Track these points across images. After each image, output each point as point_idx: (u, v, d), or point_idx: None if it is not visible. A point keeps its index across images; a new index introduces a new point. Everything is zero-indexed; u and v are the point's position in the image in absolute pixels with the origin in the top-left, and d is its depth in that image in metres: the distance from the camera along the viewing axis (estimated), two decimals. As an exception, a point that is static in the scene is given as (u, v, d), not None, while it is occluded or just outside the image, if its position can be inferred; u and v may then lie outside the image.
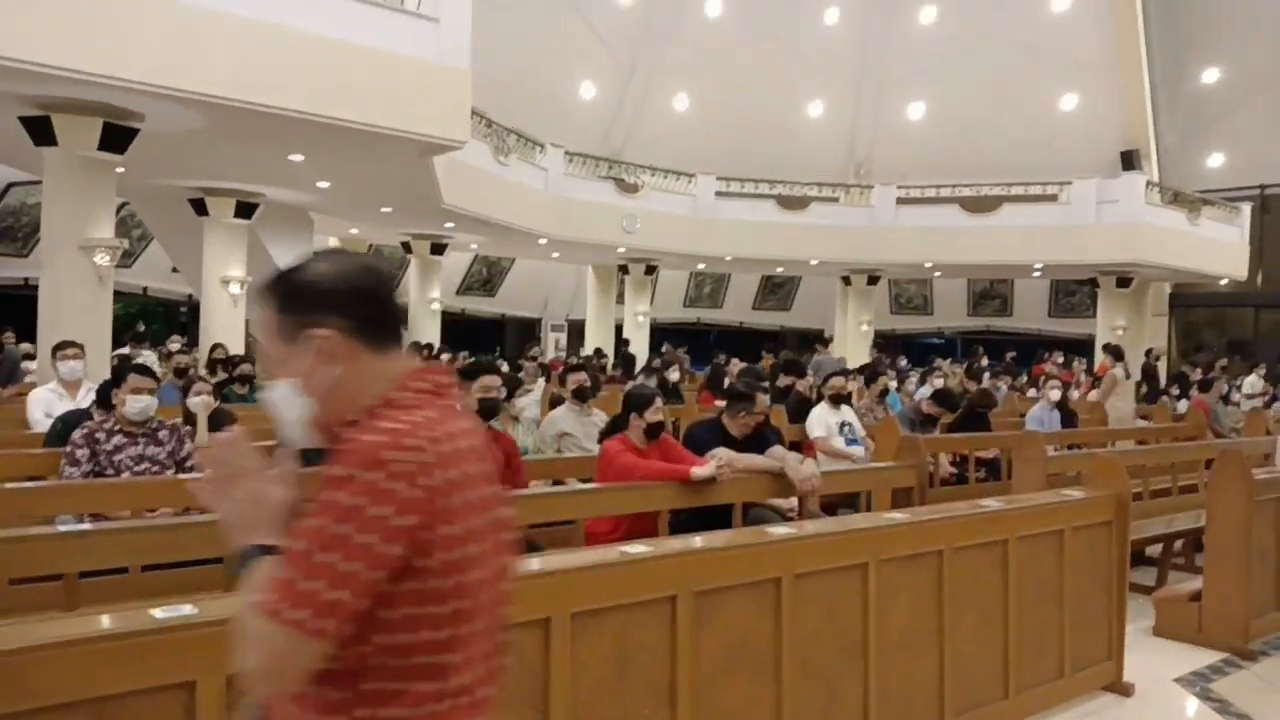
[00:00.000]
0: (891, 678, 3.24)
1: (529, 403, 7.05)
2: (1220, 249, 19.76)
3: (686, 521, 4.17)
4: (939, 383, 10.71)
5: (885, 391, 9.49)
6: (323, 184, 12.83)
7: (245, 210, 13.62)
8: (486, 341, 24.57)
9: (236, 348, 12.35)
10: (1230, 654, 4.79)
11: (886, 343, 24.13)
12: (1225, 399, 11.98)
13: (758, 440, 4.79)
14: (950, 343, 27.19)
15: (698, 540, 2.98)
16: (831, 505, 5.92)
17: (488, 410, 4.29)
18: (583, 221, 17.56)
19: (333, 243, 19.58)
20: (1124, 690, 4.19)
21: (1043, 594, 3.87)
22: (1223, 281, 20.98)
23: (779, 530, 3.20)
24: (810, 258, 20.44)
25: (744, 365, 10.01)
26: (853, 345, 20.71)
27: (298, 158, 10.87)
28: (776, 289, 27.59)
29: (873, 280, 21.84)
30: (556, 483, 5.11)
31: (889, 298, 26.59)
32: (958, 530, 3.53)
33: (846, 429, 6.99)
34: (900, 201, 20.19)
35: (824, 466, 6.52)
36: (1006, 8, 21.51)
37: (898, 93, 23.77)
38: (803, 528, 3.28)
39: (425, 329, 17.47)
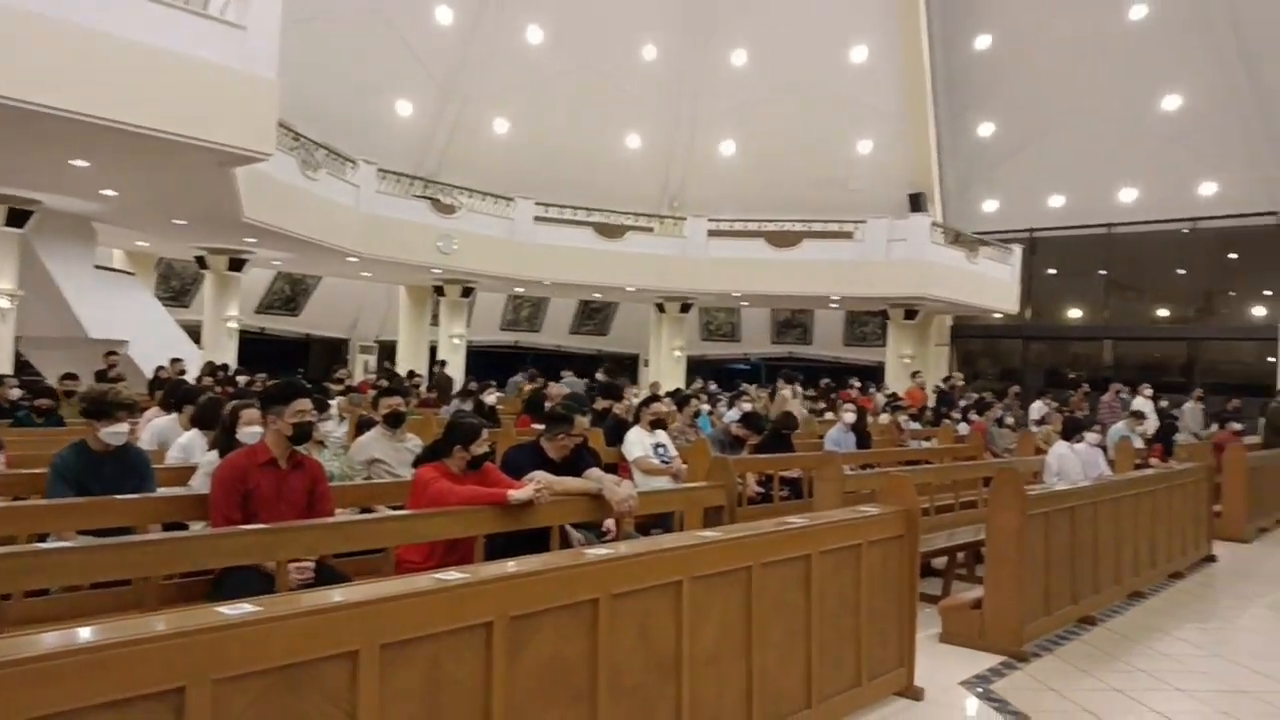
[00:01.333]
0: (703, 694, 3.31)
1: (334, 426, 6.76)
2: (995, 286, 21.73)
3: (505, 547, 4.11)
4: (747, 406, 11.12)
5: (697, 414, 9.78)
6: (108, 192, 11.88)
7: (18, 218, 12.43)
8: (290, 362, 23.37)
9: (4, 366, 11.17)
10: (1008, 657, 5.20)
11: (697, 368, 24.86)
12: (1000, 422, 13.10)
13: (574, 462, 4.81)
14: (756, 368, 28.35)
15: (513, 564, 2.94)
16: (645, 526, 6.02)
17: (302, 435, 4.08)
18: (396, 241, 17.13)
19: (117, 255, 18.12)
20: (915, 695, 4.46)
21: (842, 606, 4.08)
22: (997, 315, 23.06)
23: (596, 551, 3.20)
24: (626, 284, 20.83)
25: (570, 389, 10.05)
26: (667, 370, 21.22)
27: (81, 163, 10.02)
28: (594, 314, 27.90)
29: (685, 308, 22.50)
30: (365, 510, 4.91)
31: (700, 325, 27.47)
32: (766, 547, 3.67)
33: (661, 450, 7.14)
34: (711, 233, 20.96)
35: (640, 487, 6.64)
36: (810, 56, 22.89)
37: (710, 130, 24.74)
38: (618, 548, 3.30)
39: (222, 348, 16.44)
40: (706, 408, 12.16)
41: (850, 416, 9.30)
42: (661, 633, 3.19)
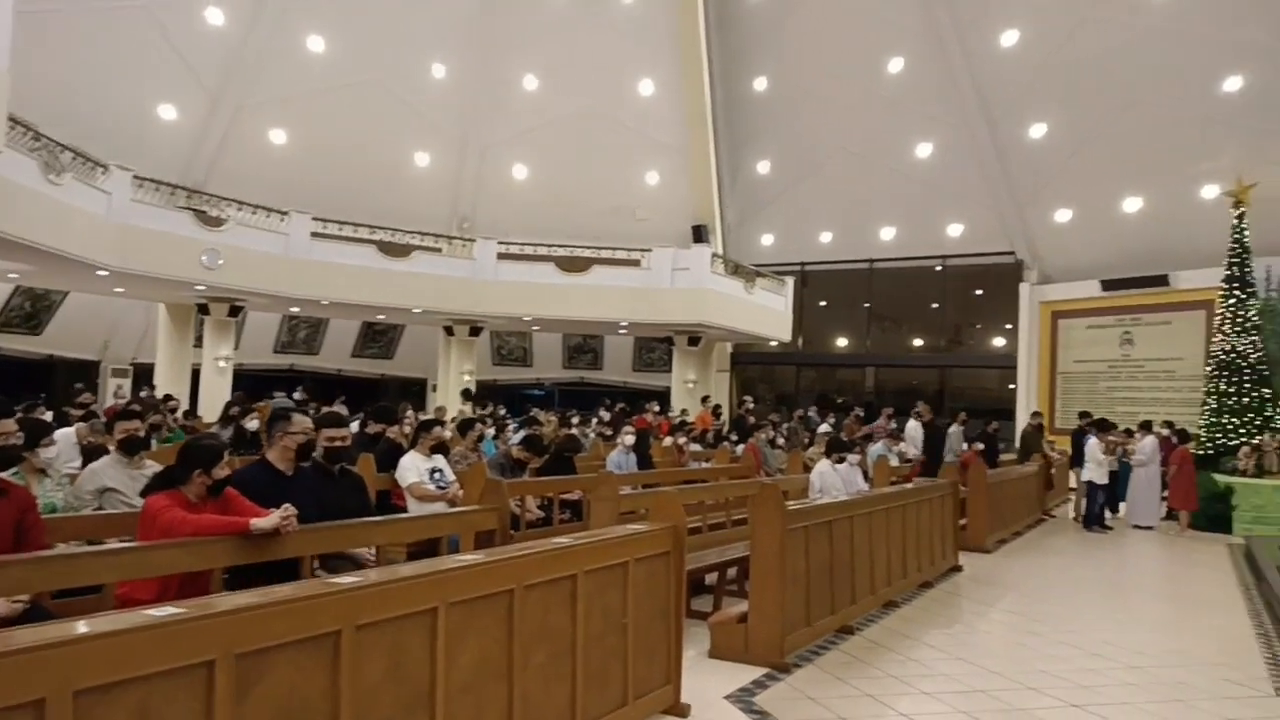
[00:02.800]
0: (459, 724, 3.16)
1: (57, 452, 6.04)
2: (770, 315, 22.88)
3: (253, 580, 3.78)
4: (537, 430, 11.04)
5: (481, 438, 9.57)
6: None
7: None
8: (30, 386, 20.97)
9: None
10: (771, 669, 5.36)
11: (488, 393, 24.53)
12: (772, 443, 13.72)
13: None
14: (549, 393, 28.35)
15: (240, 597, 2.69)
16: (418, 554, 5.77)
17: (3, 460, 3.58)
18: (154, 254, 15.79)
19: None
20: (681, 712, 4.50)
21: (609, 625, 4.05)
22: (773, 343, 24.29)
23: (342, 580, 2.99)
24: (413, 306, 20.25)
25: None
26: (455, 395, 20.75)
27: None
28: (378, 336, 26.92)
29: (475, 331, 22.16)
30: (92, 543, 4.39)
31: (491, 349, 27.15)
32: (528, 568, 3.57)
33: (438, 475, 6.90)
34: (501, 256, 20.79)
35: (414, 514, 6.37)
36: (600, 86, 23.35)
37: (502, 152, 24.63)
38: (368, 576, 3.11)
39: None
40: (491, 432, 11.96)
41: (630, 439, 9.42)
42: (415, 663, 3.02)
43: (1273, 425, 14.94)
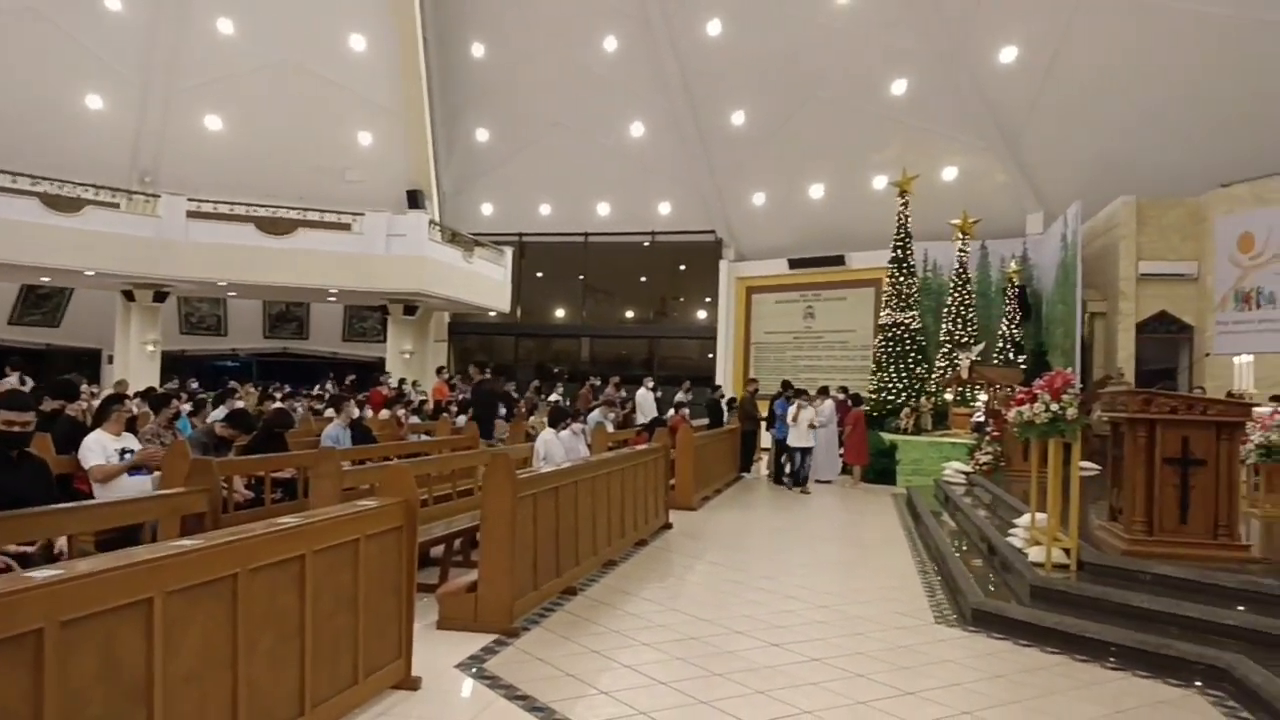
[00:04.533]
0: (180, 715, 2.97)
1: None
2: (489, 285, 22.84)
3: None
4: (239, 404, 10.30)
5: (177, 415, 8.79)
6: None
7: None
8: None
9: None
10: (500, 635, 5.47)
11: (175, 364, 22.46)
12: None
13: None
14: (246, 365, 26.44)
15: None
16: (112, 541, 5.25)
17: None
18: None
19: None
20: (412, 685, 4.48)
21: (339, 604, 3.94)
22: (491, 313, 24.27)
23: (39, 574, 2.69)
24: (85, 268, 18.06)
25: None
26: (137, 366, 18.82)
27: None
28: (42, 301, 23.70)
29: (160, 296, 20.18)
30: None
31: (179, 316, 24.84)
32: (253, 551, 3.39)
33: (129, 457, 6.28)
34: (191, 215, 19.06)
35: (109, 497, 5.77)
36: (306, 37, 21.90)
37: (190, 101, 22.45)
38: (74, 567, 2.81)
39: None
40: (188, 407, 10.99)
41: (355, 412, 9.09)
42: (131, 657, 2.79)
43: (927, 390, 17.23)
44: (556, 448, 8.45)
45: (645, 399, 16.61)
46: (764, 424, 15.97)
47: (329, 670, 3.85)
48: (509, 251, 23.89)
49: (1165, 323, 16.20)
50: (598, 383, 18.80)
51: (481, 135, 24.37)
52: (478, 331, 26.21)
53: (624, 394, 15.33)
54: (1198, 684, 4.79)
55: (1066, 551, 6.19)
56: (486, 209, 25.40)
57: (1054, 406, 6.07)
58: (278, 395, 14.48)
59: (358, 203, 20.89)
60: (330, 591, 3.87)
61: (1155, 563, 5.84)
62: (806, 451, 14.28)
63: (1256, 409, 7.65)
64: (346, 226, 19.99)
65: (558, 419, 8.86)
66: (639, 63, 21.81)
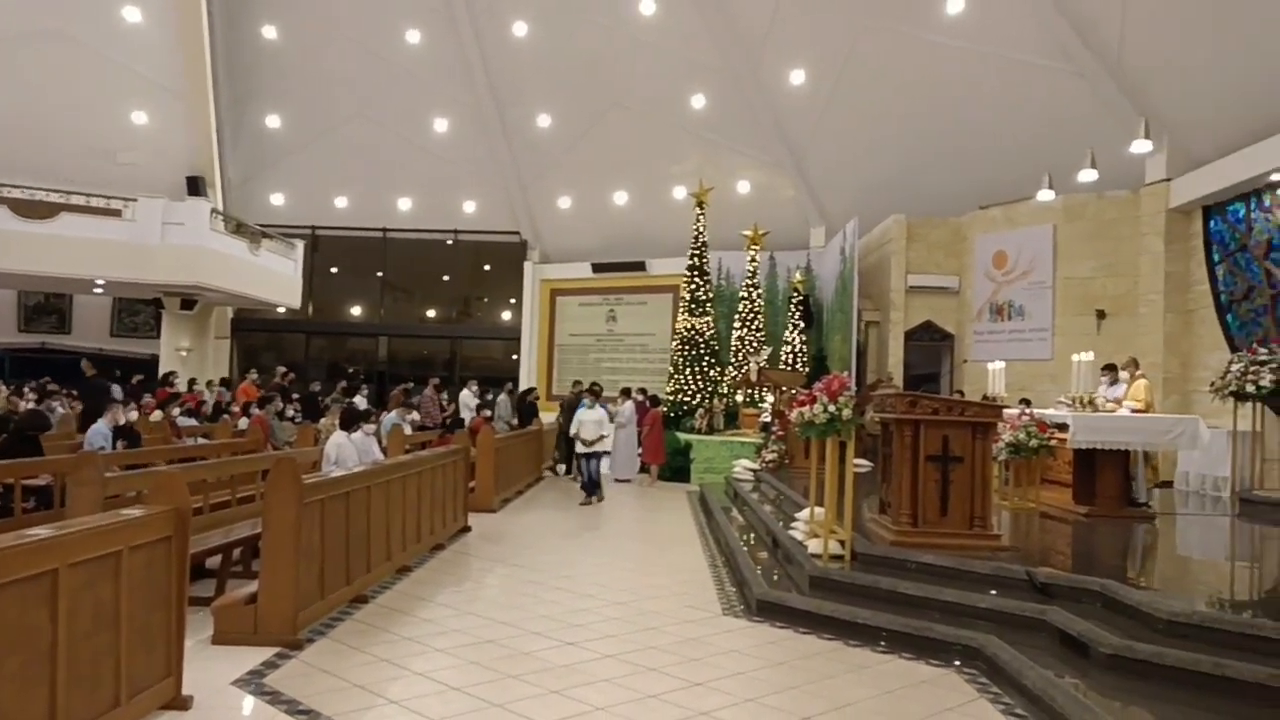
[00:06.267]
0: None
1: None
2: (278, 280, 21.63)
3: None
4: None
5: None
6: None
7: None
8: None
9: None
10: (283, 647, 5.22)
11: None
12: (280, 415, 13.11)
13: None
14: (-2, 361, 23.78)
15: None
16: None
17: None
18: None
19: None
20: (183, 705, 4.20)
21: (100, 621, 3.64)
22: (281, 310, 23.01)
23: None
24: None
25: None
26: None
27: None
28: None
29: (-113, 283, 17.79)
30: None
31: (-88, 307, 22.03)
32: (-4, 567, 3.08)
33: None
34: (-69, 193, 16.91)
35: None
36: (75, 4, 19.91)
37: (-73, 64, 19.90)
38: None
39: None
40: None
41: (134, 414, 8.40)
42: None
43: (720, 392, 17.92)
44: (348, 451, 8.15)
45: (467, 400, 16.46)
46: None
47: (87, 692, 3.55)
48: (300, 245, 22.74)
49: (930, 331, 17.66)
50: (411, 385, 18.32)
51: (273, 122, 23.05)
52: (265, 329, 24.79)
53: (444, 396, 15.04)
54: (956, 663, 5.25)
55: (842, 543, 6.62)
56: (277, 199, 24.08)
57: (831, 408, 6.48)
58: (31, 395, 13.14)
59: (131, 187, 19.23)
60: (89, 608, 3.56)
61: (919, 552, 6.35)
62: (594, 457, 13.03)
63: (1007, 411, 8.49)
64: (117, 213, 18.36)
65: (349, 420, 8.55)
66: (444, 58, 21.38)
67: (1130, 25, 13.53)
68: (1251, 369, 10.70)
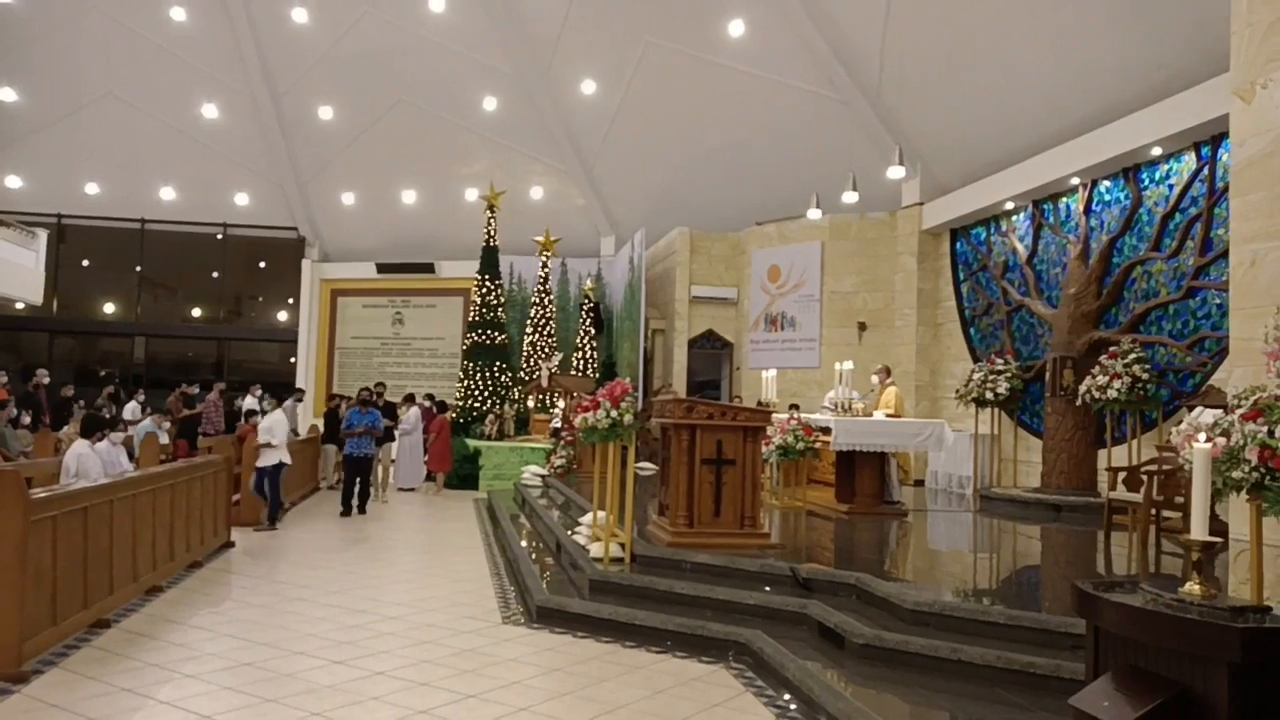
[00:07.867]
0: None
1: None
2: (16, 272, 19.33)
3: None
4: None
5: None
6: None
7: None
8: None
9: None
10: (6, 681, 4.67)
11: None
12: (15, 423, 11.79)
13: None
14: None
15: None
16: None
17: None
18: None
19: None
20: None
21: None
22: (19, 305, 20.60)
23: None
24: None
25: None
26: None
27: None
28: None
29: None
30: None
31: None
32: None
33: None
34: None
35: None
36: None
37: None
38: None
39: None
40: None
41: None
42: None
43: (511, 398, 17.80)
44: (91, 462, 7.41)
45: (251, 406, 15.42)
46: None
47: None
48: (43, 235, 20.48)
49: (712, 340, 18.36)
50: (194, 390, 16.91)
51: (8, 95, 20.66)
52: (1, 326, 22.16)
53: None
54: (729, 659, 5.45)
55: (623, 546, 6.73)
56: (14, 182, 21.59)
57: (613, 413, 6.59)
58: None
59: None
60: None
61: (694, 552, 6.56)
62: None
63: (776, 415, 8.94)
64: None
65: (92, 428, 7.78)
66: (213, 40, 19.92)
67: (888, 60, 14.65)
68: (990, 378, 11.91)
